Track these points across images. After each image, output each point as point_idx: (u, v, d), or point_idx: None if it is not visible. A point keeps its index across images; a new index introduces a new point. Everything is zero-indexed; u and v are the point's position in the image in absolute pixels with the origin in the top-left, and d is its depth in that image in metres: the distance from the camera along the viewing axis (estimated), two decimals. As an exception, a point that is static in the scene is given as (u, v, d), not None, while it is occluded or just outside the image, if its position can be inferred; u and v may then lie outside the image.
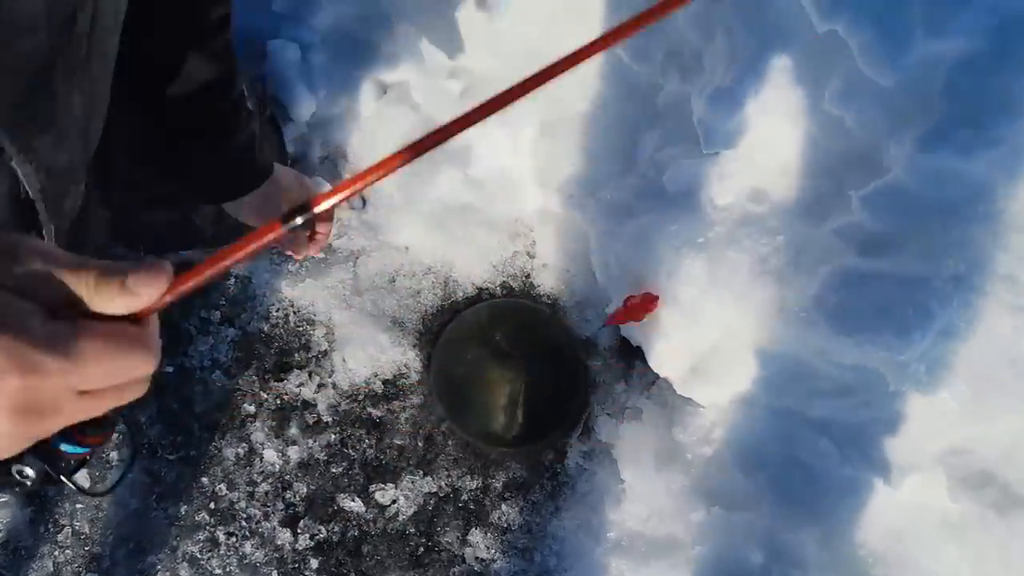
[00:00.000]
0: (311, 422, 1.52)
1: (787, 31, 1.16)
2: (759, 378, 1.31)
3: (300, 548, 1.47)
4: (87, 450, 0.63)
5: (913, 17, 1.06)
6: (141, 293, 0.39)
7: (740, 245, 1.24)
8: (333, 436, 1.52)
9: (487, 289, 1.61)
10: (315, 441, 1.51)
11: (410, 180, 1.55)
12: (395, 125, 1.54)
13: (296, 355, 1.55)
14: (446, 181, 1.55)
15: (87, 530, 1.44)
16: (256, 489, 1.49)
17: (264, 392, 1.53)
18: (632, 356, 1.57)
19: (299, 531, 1.48)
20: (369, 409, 1.54)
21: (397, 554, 1.48)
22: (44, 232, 0.73)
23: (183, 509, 1.46)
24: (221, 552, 1.45)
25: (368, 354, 1.54)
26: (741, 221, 1.26)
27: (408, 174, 1.55)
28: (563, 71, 0.40)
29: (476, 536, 1.49)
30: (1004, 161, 1.02)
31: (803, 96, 1.17)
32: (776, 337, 1.22)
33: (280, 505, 1.49)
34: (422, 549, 1.49)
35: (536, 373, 1.57)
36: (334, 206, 0.40)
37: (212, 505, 1.47)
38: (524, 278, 1.62)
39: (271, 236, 0.40)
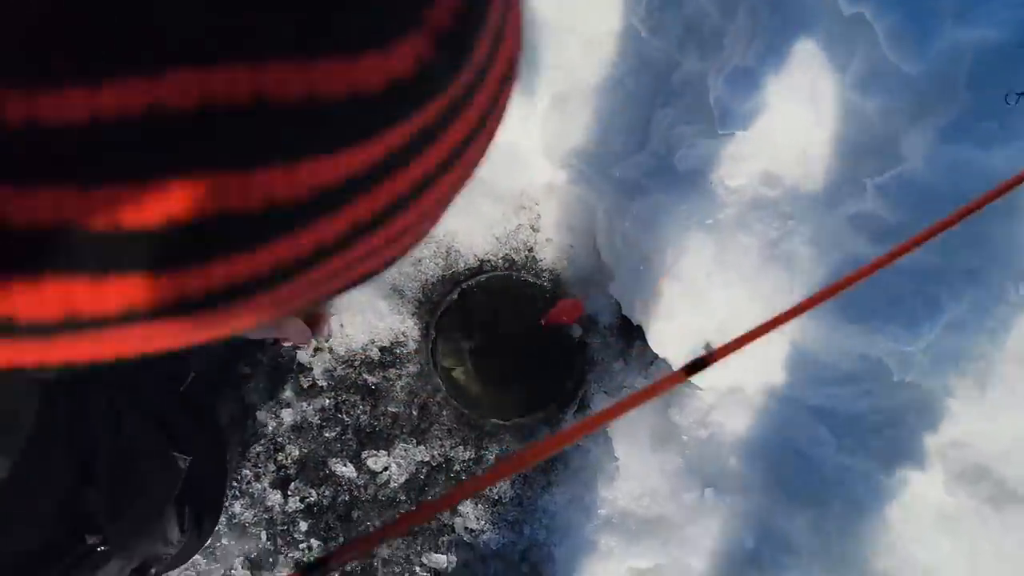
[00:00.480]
0: (306, 386, 1.51)
1: (812, 12, 1.14)
2: (760, 363, 1.30)
3: (290, 510, 1.46)
4: None
5: (942, 3, 1.04)
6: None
7: (750, 228, 1.22)
8: (327, 401, 1.51)
9: (489, 261, 1.59)
10: (309, 405, 1.50)
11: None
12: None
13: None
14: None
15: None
16: (248, 450, 1.48)
17: (260, 354, 1.51)
18: (632, 336, 1.56)
19: (289, 493, 1.47)
20: (365, 375, 1.53)
21: (387, 521, 1.48)
22: None
23: (173, 466, 1.45)
24: (210, 511, 1.43)
25: (366, 320, 1.53)
26: (752, 204, 1.24)
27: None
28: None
29: (467, 507, 1.49)
30: (1021, 151, 1.01)
31: (824, 80, 1.15)
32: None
33: (271, 467, 1.48)
34: (412, 517, 1.48)
35: (534, 349, 1.56)
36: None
37: (203, 464, 1.45)
38: (527, 252, 1.60)
39: None
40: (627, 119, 1.43)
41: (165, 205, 0.21)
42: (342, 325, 1.53)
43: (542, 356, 1.56)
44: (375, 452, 1.50)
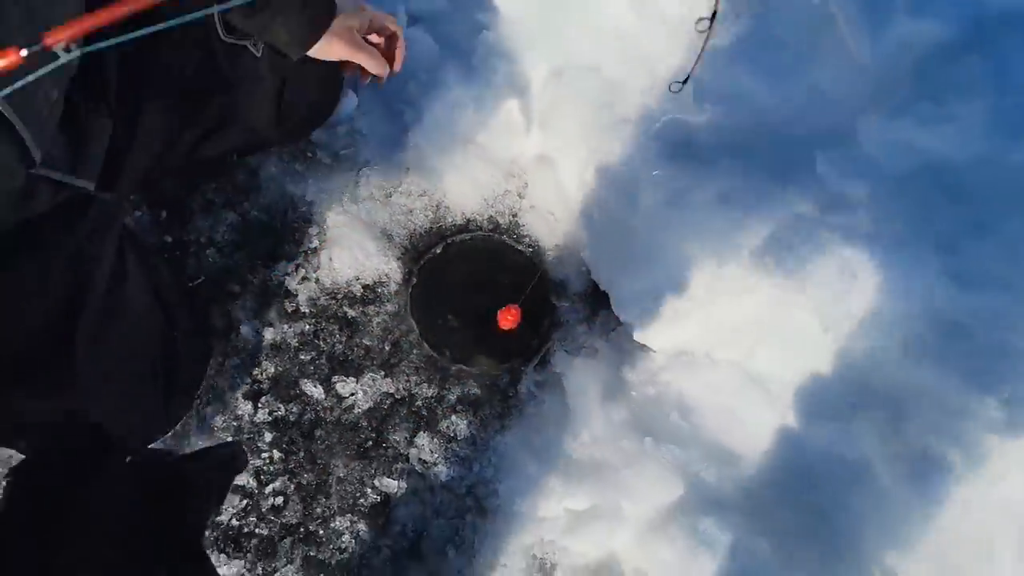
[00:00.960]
0: (289, 310, 1.61)
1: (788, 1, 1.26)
2: (708, 328, 1.39)
3: (258, 421, 1.55)
4: None
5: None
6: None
7: (707, 187, 1.33)
8: (307, 326, 1.61)
9: (475, 221, 1.71)
10: (290, 328, 1.60)
11: (423, 104, 1.65)
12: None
13: (287, 247, 1.64)
14: (456, 111, 1.65)
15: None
16: (227, 361, 1.57)
17: (251, 275, 1.62)
18: (599, 304, 1.66)
19: (260, 406, 1.56)
20: (345, 308, 1.63)
21: (347, 443, 1.56)
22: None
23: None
24: (183, 410, 1.53)
25: (354, 257, 1.64)
26: (717, 171, 1.35)
27: (420, 98, 1.66)
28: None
29: (423, 440, 1.57)
30: (956, 136, 1.11)
31: (792, 61, 1.27)
32: (731, 283, 1.30)
33: (247, 380, 1.57)
34: (370, 443, 1.57)
35: (505, 306, 1.65)
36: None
37: (183, 367, 1.55)
38: (511, 216, 1.71)
39: None
40: (616, 94, 1.55)
41: None
42: (331, 259, 1.63)
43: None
44: (344, 378, 1.59)
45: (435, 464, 1.56)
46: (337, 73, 1.57)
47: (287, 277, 1.62)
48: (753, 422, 1.35)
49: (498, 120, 1.66)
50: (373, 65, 1.31)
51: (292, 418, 1.56)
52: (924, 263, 1.13)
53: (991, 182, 1.11)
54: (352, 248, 1.64)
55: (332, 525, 1.53)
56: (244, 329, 1.59)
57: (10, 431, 1.17)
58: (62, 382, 1.10)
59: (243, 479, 1.52)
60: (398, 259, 1.66)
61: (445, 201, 1.70)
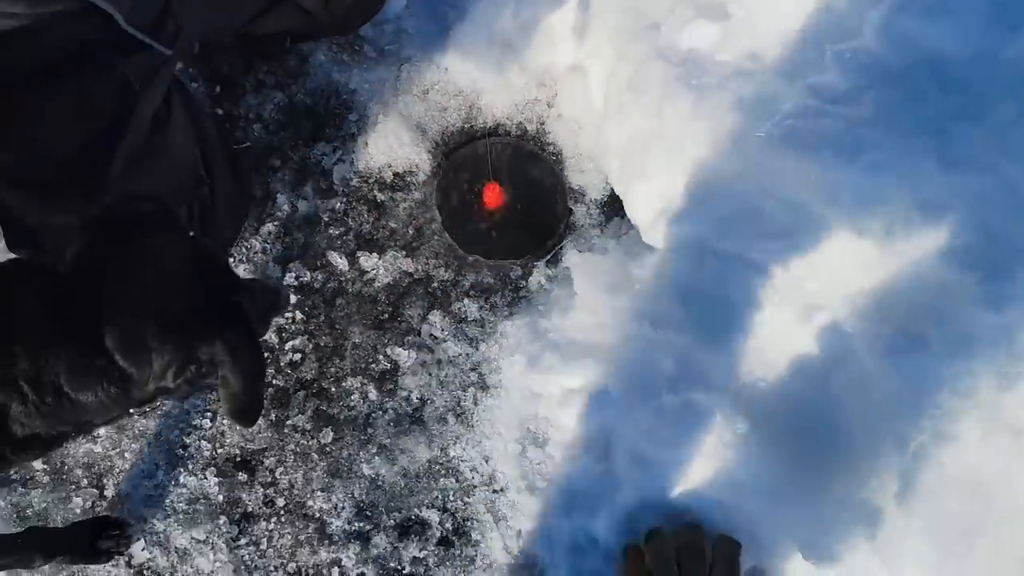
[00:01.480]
0: (324, 187, 1.72)
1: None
2: (714, 220, 1.46)
3: (285, 283, 1.66)
4: None
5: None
6: None
7: (725, 88, 1.40)
8: (339, 204, 1.72)
9: (504, 125, 1.80)
10: (323, 203, 1.71)
11: (466, 8, 1.75)
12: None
13: (327, 130, 1.75)
14: (497, 18, 1.75)
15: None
16: (262, 227, 1.69)
17: (291, 152, 1.74)
18: (614, 211, 1.74)
19: (288, 270, 1.67)
20: (375, 192, 1.73)
21: (364, 313, 1.67)
22: None
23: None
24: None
25: (388, 146, 1.74)
26: (733, 74, 1.43)
27: (464, 2, 1.76)
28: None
29: (435, 317, 1.66)
30: (955, 29, 1.18)
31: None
32: (737, 168, 1.37)
33: (278, 246, 1.69)
34: (386, 315, 1.67)
35: (525, 207, 1.75)
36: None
37: (221, 228, 1.67)
38: (539, 124, 1.81)
39: None
40: (645, 9, 1.63)
41: None
42: (367, 145, 1.74)
43: (530, 214, 1.75)
44: (368, 254, 1.69)
45: (445, 340, 1.65)
46: None
47: (324, 157, 1.74)
48: (745, 310, 1.41)
49: (536, 29, 1.75)
50: None
51: (316, 285, 1.67)
52: (915, 148, 1.19)
53: (983, 74, 1.17)
54: (387, 137, 1.75)
55: (343, 385, 1.63)
56: (280, 199, 1.70)
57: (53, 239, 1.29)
58: (92, 201, 1.21)
59: (266, 335, 1.63)
60: (429, 152, 1.76)
61: (478, 103, 1.80)
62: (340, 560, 1.56)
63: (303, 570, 1.56)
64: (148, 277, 0.84)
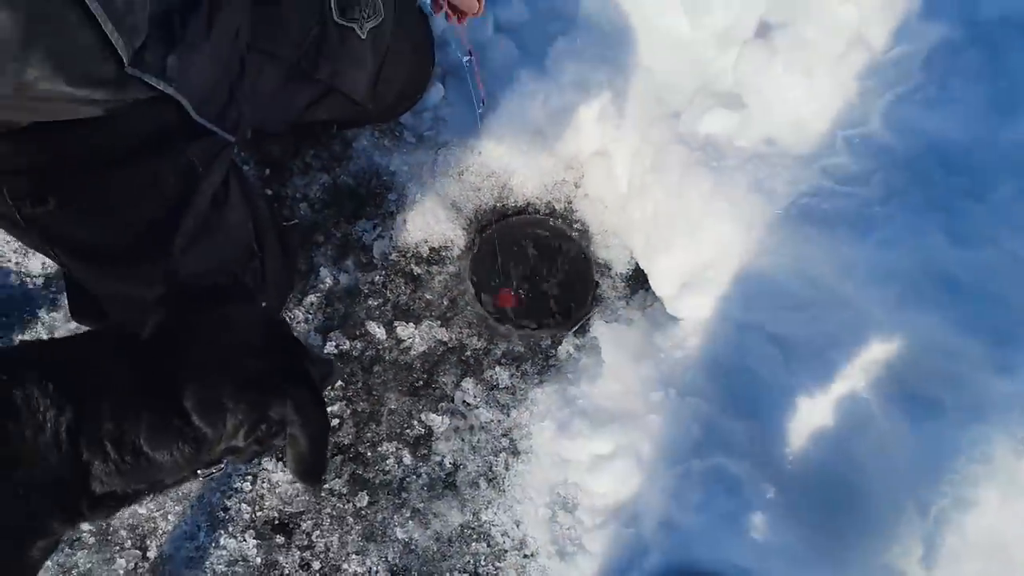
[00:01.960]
0: (364, 261, 1.83)
1: (814, 7, 1.47)
2: (735, 293, 1.54)
3: (326, 352, 1.75)
4: None
5: (911, 3, 1.35)
6: None
7: (743, 170, 1.51)
8: (378, 277, 1.82)
9: (533, 204, 1.91)
10: (363, 276, 1.81)
11: (500, 98, 1.89)
12: None
13: (368, 208, 1.87)
14: (527, 106, 1.88)
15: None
16: (305, 298, 1.79)
17: (335, 229, 1.85)
18: (639, 284, 1.83)
19: (329, 339, 1.76)
20: (412, 265, 1.84)
21: (400, 380, 1.74)
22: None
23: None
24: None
25: (426, 222, 1.85)
26: (751, 157, 1.53)
27: (498, 93, 1.90)
28: None
29: (468, 384, 1.74)
30: (958, 117, 1.28)
31: (819, 60, 1.46)
32: (756, 245, 1.46)
33: (320, 316, 1.78)
34: (421, 382, 1.74)
35: (554, 280, 1.84)
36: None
37: (267, 300, 1.77)
38: (567, 203, 1.92)
39: None
40: (666, 98, 1.76)
41: None
42: (405, 222, 1.86)
43: (560, 286, 1.84)
44: (404, 324, 1.78)
45: (477, 407, 1.72)
46: (425, 66, 1.84)
47: (365, 234, 1.85)
48: (767, 378, 1.47)
49: (564, 116, 1.88)
50: (463, 2, 1.52)
51: (355, 353, 1.76)
52: (924, 224, 1.27)
53: (985, 156, 1.26)
54: (424, 215, 1.86)
55: (379, 449, 1.69)
56: (323, 272, 1.80)
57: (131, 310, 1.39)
58: (155, 276, 1.31)
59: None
60: (463, 228, 1.87)
61: (510, 184, 1.91)
62: (373, 624, 1.59)
63: (336, 633, 1.59)
64: (225, 342, 0.92)
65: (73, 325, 1.65)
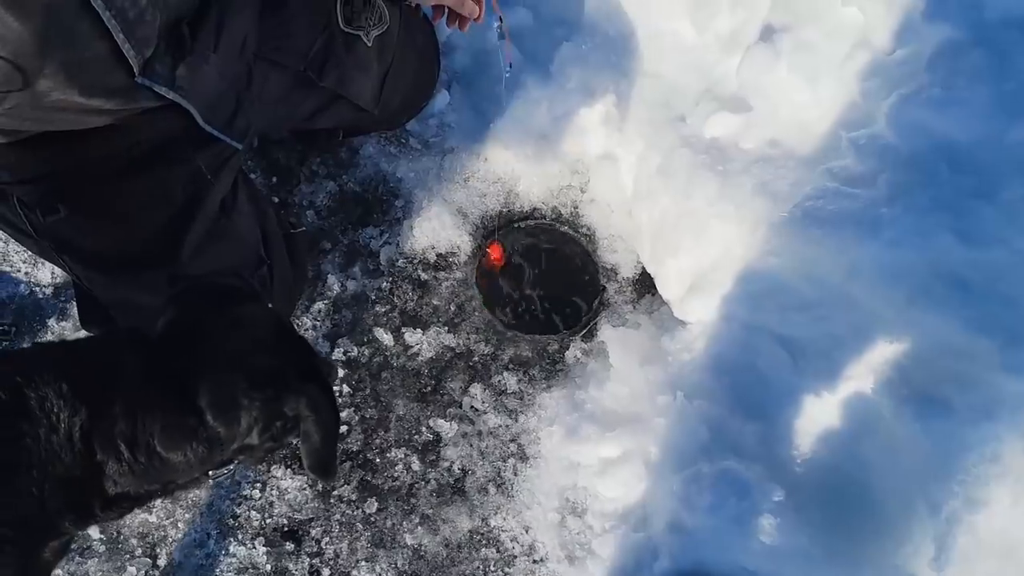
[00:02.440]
0: (371, 268, 1.84)
1: (818, 10, 1.47)
2: (742, 295, 1.54)
3: (334, 358, 1.75)
4: None
5: (915, 4, 1.35)
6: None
7: (749, 172, 1.51)
8: (385, 283, 1.82)
9: (539, 209, 1.92)
10: (370, 282, 1.82)
11: (505, 103, 1.89)
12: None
13: (375, 215, 1.88)
14: (533, 111, 1.89)
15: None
16: (312, 305, 1.80)
17: (341, 235, 1.86)
18: (646, 288, 1.83)
19: (336, 346, 1.76)
20: (419, 271, 1.84)
21: (408, 386, 1.74)
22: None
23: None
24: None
25: (432, 228, 1.86)
26: (756, 159, 1.54)
27: (504, 99, 1.91)
28: None
29: (476, 390, 1.74)
30: (963, 117, 1.28)
31: (823, 62, 1.47)
32: (763, 246, 1.46)
33: (328, 323, 1.79)
34: (429, 388, 1.74)
35: (561, 285, 1.85)
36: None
37: (275, 306, 1.78)
38: (573, 207, 1.92)
39: None
40: (673, 96, 1.76)
41: None
42: (412, 228, 1.86)
43: (566, 291, 1.84)
44: (412, 330, 1.78)
45: (485, 412, 1.72)
46: (431, 73, 1.85)
47: (372, 240, 1.85)
48: (775, 380, 1.47)
49: (569, 121, 1.89)
50: (462, 6, 1.51)
51: (363, 359, 1.76)
52: (932, 224, 1.27)
53: (992, 156, 1.27)
54: (431, 221, 1.86)
55: (388, 456, 1.69)
56: (330, 279, 1.81)
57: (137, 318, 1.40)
58: (163, 284, 1.32)
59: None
60: (470, 234, 1.87)
61: (516, 189, 1.92)
62: (383, 630, 1.59)
63: (347, 640, 1.59)
64: (237, 340, 0.93)
65: (83, 334, 1.66)
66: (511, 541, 1.63)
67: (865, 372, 1.36)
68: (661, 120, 1.75)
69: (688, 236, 1.61)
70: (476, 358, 1.77)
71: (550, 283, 1.85)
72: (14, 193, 1.20)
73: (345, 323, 1.79)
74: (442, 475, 1.68)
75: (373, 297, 1.81)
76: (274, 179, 1.89)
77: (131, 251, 1.29)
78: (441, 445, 1.70)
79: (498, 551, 1.63)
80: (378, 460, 1.69)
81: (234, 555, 1.63)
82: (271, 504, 1.66)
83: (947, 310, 1.25)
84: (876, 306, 1.33)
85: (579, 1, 1.91)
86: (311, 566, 1.63)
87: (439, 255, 1.86)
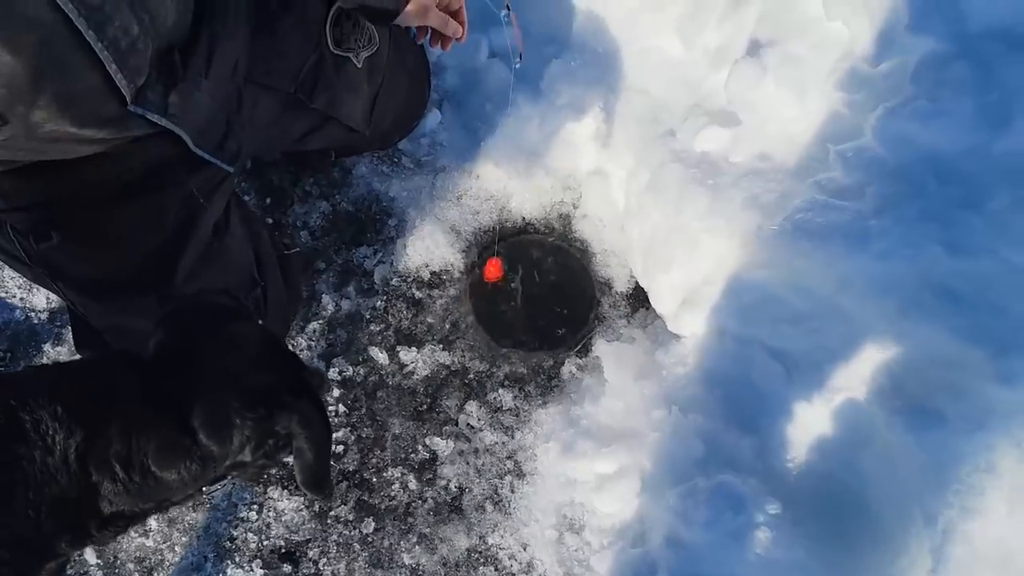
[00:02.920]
0: (365, 287, 1.84)
1: (804, 24, 1.49)
2: (734, 308, 1.55)
3: (329, 379, 1.75)
4: None
5: (899, 17, 1.37)
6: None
7: (738, 186, 1.52)
8: (379, 302, 1.83)
9: (532, 224, 1.93)
10: (365, 301, 1.82)
11: (496, 121, 1.91)
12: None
13: (368, 234, 1.88)
14: (524, 129, 1.90)
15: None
16: (307, 325, 1.80)
17: (335, 255, 1.86)
18: (639, 303, 1.84)
19: (332, 365, 1.77)
20: (414, 289, 1.85)
21: (404, 405, 1.75)
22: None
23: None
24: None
25: (426, 247, 1.87)
26: (746, 173, 1.55)
27: (494, 117, 1.92)
28: None
29: (472, 407, 1.74)
30: (949, 128, 1.29)
31: (810, 76, 1.48)
32: (753, 259, 1.47)
33: (323, 343, 1.79)
34: (425, 406, 1.75)
35: (555, 300, 1.85)
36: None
37: (270, 326, 1.78)
38: (565, 222, 1.93)
39: None
40: (661, 117, 1.78)
41: None
42: (405, 247, 1.87)
43: (560, 307, 1.85)
44: (407, 348, 1.79)
45: (481, 430, 1.72)
46: (421, 93, 1.86)
47: (366, 259, 1.86)
48: (769, 393, 1.48)
49: (560, 138, 1.90)
50: (446, 27, 1.51)
51: (359, 379, 1.76)
52: (920, 235, 1.28)
53: (979, 167, 1.27)
54: (424, 239, 1.87)
55: (384, 475, 1.69)
56: (325, 299, 1.81)
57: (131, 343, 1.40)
58: (157, 309, 1.32)
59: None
60: (463, 252, 1.88)
61: (508, 206, 1.93)
62: (382, 651, 1.58)
63: (346, 662, 1.58)
64: (230, 359, 0.93)
65: (78, 358, 1.66)
66: (509, 559, 1.63)
67: (857, 383, 1.37)
68: (651, 135, 1.76)
69: (680, 250, 1.62)
70: (471, 375, 1.78)
71: (545, 299, 1.86)
72: (8, 220, 1.20)
73: (340, 343, 1.79)
74: (439, 493, 1.68)
75: (368, 316, 1.81)
76: (268, 200, 1.90)
77: (124, 277, 1.29)
78: (438, 463, 1.70)
79: (496, 569, 1.62)
80: (375, 479, 1.69)
81: (231, 578, 1.63)
82: (268, 526, 1.66)
83: (937, 320, 1.25)
84: (867, 317, 1.34)
85: (568, 19, 1.93)
86: (309, 588, 1.62)
87: (433, 273, 1.86)
